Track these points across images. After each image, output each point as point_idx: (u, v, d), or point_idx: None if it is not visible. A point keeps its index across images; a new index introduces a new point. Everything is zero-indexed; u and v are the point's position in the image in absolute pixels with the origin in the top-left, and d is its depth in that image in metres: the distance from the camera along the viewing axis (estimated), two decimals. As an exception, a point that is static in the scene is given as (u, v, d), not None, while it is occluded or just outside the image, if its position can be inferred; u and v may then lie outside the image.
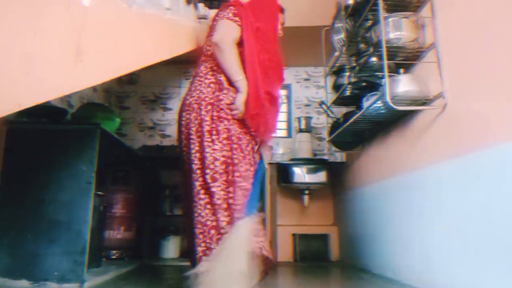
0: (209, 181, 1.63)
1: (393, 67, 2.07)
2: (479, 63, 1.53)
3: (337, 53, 2.83)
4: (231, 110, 1.70)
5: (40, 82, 1.01)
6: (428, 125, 1.90)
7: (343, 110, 2.93)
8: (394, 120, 2.27)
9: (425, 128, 1.94)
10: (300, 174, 3.28)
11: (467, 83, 1.63)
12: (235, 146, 1.68)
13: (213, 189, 1.63)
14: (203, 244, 1.62)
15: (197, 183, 1.68)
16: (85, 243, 1.84)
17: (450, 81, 1.75)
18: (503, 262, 1.34)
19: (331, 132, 2.91)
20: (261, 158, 1.89)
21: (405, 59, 2.06)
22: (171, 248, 3.27)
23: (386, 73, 1.84)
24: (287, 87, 4.13)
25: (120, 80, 3.92)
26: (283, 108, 4.10)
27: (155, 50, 1.91)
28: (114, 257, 2.93)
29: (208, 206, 1.62)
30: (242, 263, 1.47)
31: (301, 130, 3.61)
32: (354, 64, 2.66)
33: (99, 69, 1.34)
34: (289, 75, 4.04)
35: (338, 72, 2.85)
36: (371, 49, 2.23)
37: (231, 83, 1.74)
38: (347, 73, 2.74)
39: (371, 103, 2.10)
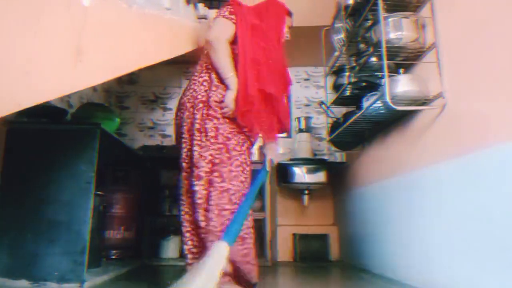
0: (193, 179, 1.62)
1: (393, 67, 2.07)
2: (479, 63, 1.53)
3: (337, 53, 2.83)
4: (221, 108, 1.67)
5: (40, 82, 1.01)
6: (428, 125, 1.90)
7: (343, 110, 2.92)
8: (394, 120, 2.27)
9: (425, 128, 1.94)
10: (300, 174, 3.27)
11: (467, 83, 1.63)
12: (220, 145, 1.64)
13: (196, 188, 1.60)
14: (189, 243, 1.65)
15: (186, 182, 1.69)
16: (85, 243, 1.84)
17: (450, 81, 1.75)
18: (503, 262, 1.34)
19: (331, 132, 2.91)
20: (264, 159, 1.87)
21: (405, 59, 2.06)
22: (171, 248, 3.26)
23: (386, 73, 1.84)
24: (287, 87, 4.12)
25: (120, 80, 3.91)
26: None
27: (155, 50, 1.91)
28: (114, 257, 2.92)
29: (193, 205, 1.62)
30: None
31: (301, 130, 3.61)
32: (354, 64, 2.66)
33: (99, 69, 1.34)
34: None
35: (338, 72, 2.85)
36: (371, 49, 2.23)
37: (221, 80, 1.71)
38: (347, 73, 2.74)
39: (371, 103, 2.10)
